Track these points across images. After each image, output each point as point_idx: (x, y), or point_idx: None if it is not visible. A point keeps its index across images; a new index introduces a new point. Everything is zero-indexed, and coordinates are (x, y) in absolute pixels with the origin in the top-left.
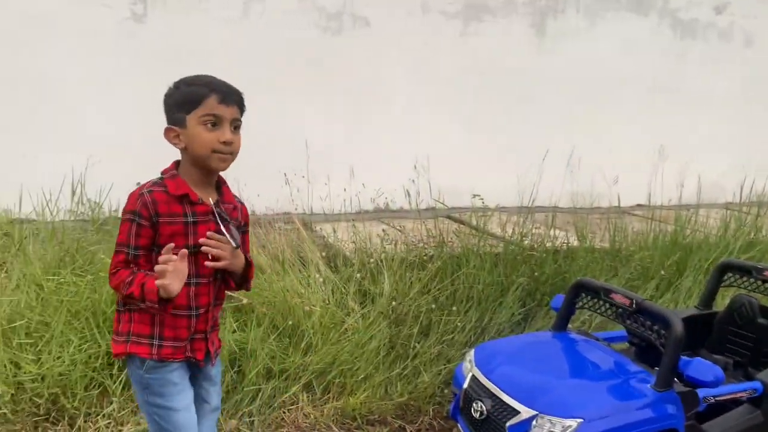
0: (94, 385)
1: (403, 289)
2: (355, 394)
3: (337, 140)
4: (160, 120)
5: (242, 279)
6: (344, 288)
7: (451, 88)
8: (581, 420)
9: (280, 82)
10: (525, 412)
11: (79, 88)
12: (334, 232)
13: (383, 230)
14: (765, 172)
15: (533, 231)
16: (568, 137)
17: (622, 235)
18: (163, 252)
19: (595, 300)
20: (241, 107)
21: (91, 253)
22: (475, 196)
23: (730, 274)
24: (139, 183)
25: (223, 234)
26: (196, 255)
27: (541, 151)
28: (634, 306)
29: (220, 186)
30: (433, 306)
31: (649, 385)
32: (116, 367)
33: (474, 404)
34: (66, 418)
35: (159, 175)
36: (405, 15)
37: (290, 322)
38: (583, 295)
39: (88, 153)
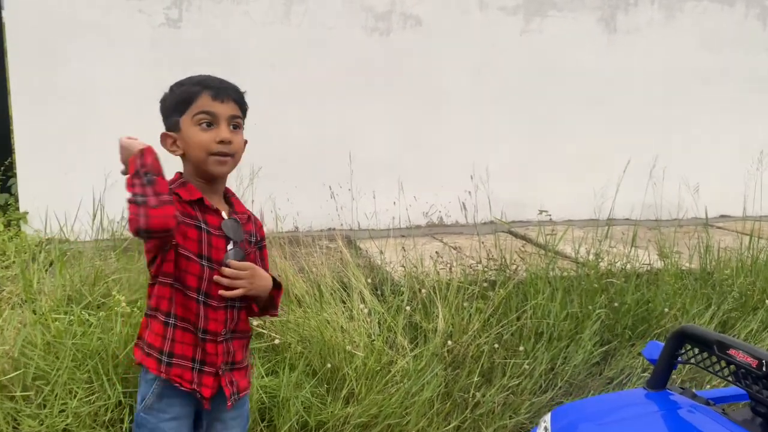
0: None
1: (461, 325)
2: None
3: (384, 150)
4: None
5: (268, 303)
6: (393, 321)
7: (512, 91)
8: None
9: (323, 88)
10: None
11: (117, 98)
12: (381, 253)
13: (437, 252)
14: None
15: (609, 250)
16: (645, 142)
17: (713, 255)
18: None
19: (705, 354)
20: (241, 105)
21: (110, 283)
22: (541, 212)
23: None
24: None
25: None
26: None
27: (614, 158)
28: (764, 369)
29: (229, 198)
30: (496, 345)
31: None
32: (128, 419)
33: None
34: None
35: None
36: (460, 12)
37: (329, 365)
38: (689, 346)
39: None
